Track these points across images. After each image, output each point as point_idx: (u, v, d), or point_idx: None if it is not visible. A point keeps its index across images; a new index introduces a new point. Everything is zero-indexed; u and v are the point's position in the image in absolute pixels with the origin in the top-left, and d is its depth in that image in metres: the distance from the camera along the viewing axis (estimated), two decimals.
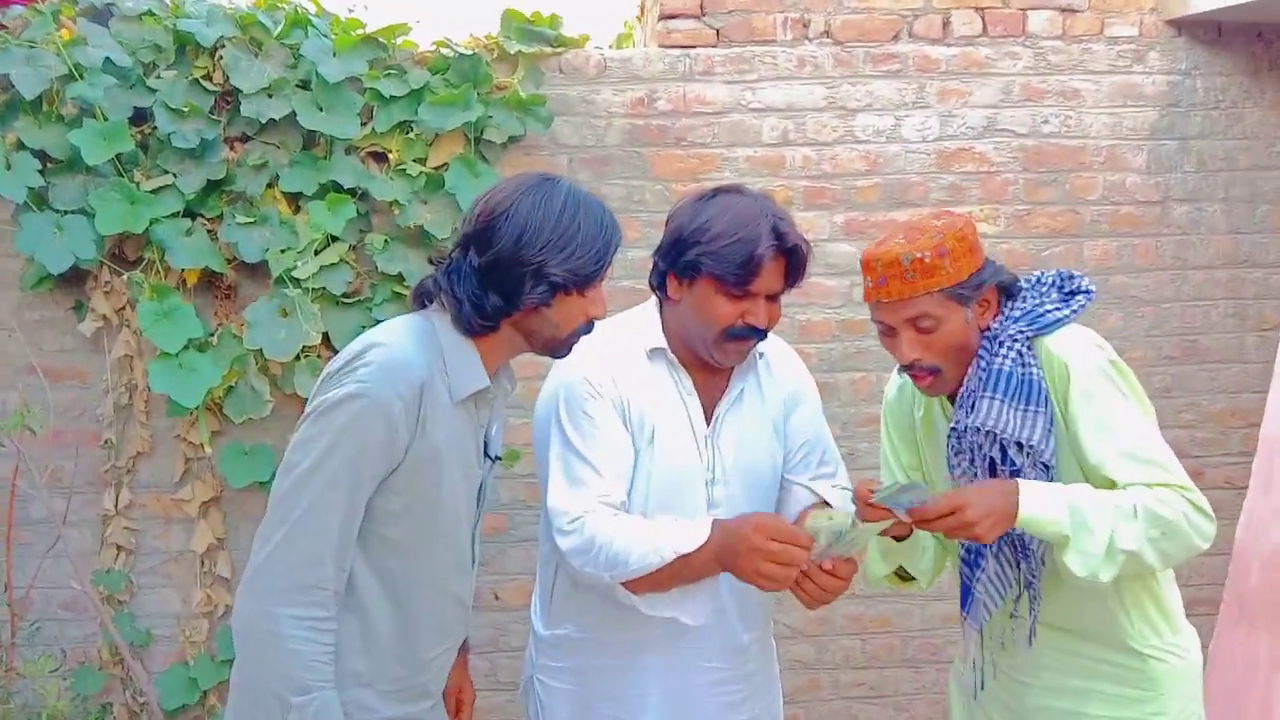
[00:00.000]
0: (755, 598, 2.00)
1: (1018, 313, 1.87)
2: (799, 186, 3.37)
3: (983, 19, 3.40)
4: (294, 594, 1.57)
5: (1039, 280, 1.95)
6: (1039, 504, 1.71)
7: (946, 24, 3.39)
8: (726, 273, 1.86)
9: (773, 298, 1.93)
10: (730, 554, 1.74)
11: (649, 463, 1.95)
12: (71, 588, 2.99)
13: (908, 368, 1.88)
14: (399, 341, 1.66)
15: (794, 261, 1.91)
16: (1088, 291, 1.91)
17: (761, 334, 1.94)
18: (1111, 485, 1.76)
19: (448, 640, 1.81)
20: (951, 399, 1.94)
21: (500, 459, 1.88)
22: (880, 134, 3.39)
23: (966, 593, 1.96)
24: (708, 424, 1.99)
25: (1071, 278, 1.94)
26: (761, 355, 2.06)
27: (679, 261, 1.91)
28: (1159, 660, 1.87)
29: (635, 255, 3.22)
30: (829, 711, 3.46)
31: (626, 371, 1.96)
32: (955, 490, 1.77)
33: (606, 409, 1.92)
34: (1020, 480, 1.76)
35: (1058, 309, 1.87)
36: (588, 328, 1.78)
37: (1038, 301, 1.89)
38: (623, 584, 1.82)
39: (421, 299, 1.77)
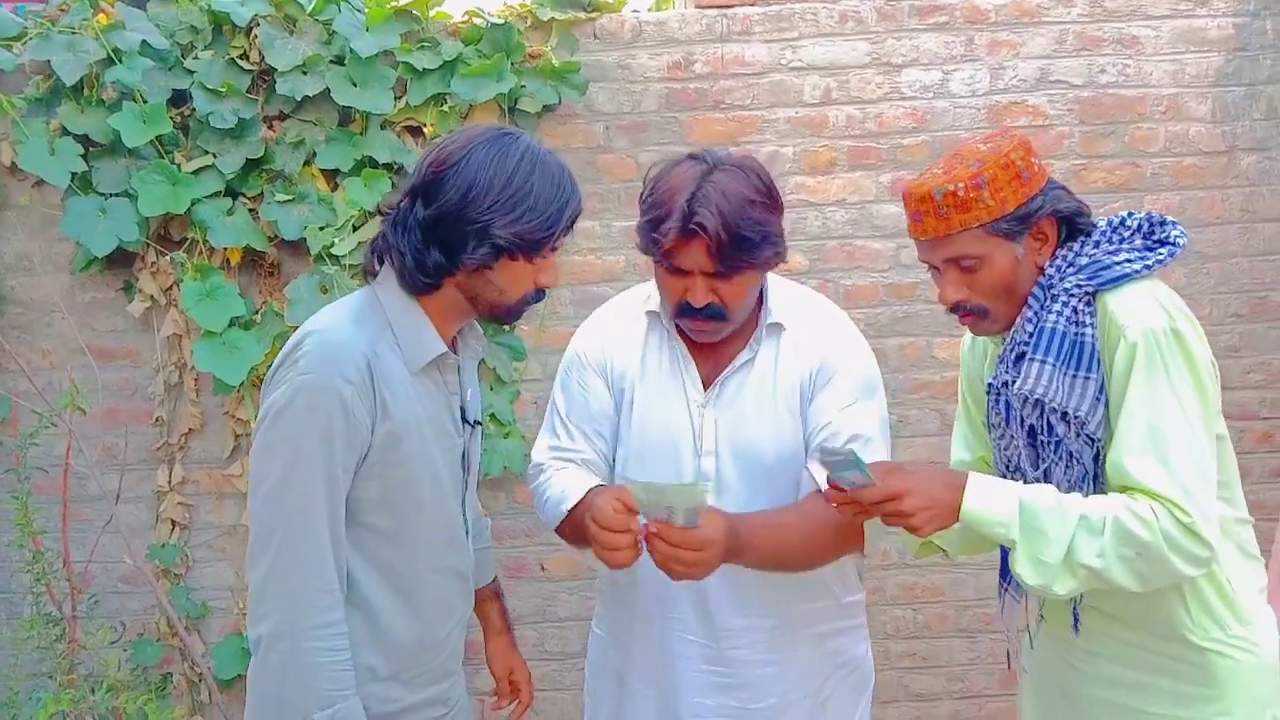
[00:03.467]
0: (774, 584, 1.85)
1: (1083, 259, 1.67)
2: (843, 147, 3.27)
3: None
4: (301, 606, 1.53)
5: (1122, 222, 1.72)
6: (984, 501, 1.58)
7: None
8: (646, 246, 1.79)
9: (718, 276, 1.75)
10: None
11: (627, 427, 1.94)
12: (127, 563, 3.07)
13: (952, 310, 1.74)
14: (334, 323, 1.61)
15: (718, 245, 1.69)
16: (1174, 243, 1.68)
17: (702, 313, 1.78)
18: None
19: (456, 614, 1.80)
20: None
21: (480, 423, 1.83)
22: (927, 90, 3.27)
23: (1006, 556, 1.79)
24: (705, 392, 1.91)
25: (1163, 224, 1.71)
26: (785, 329, 1.90)
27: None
28: (1221, 655, 1.67)
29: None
30: (880, 682, 3.30)
31: (620, 336, 1.96)
32: (900, 473, 1.61)
33: (589, 374, 1.97)
34: (972, 473, 1.62)
35: (1130, 261, 1.65)
36: (537, 295, 1.69)
37: (1112, 249, 1.68)
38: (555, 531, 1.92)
39: (375, 260, 1.69)
